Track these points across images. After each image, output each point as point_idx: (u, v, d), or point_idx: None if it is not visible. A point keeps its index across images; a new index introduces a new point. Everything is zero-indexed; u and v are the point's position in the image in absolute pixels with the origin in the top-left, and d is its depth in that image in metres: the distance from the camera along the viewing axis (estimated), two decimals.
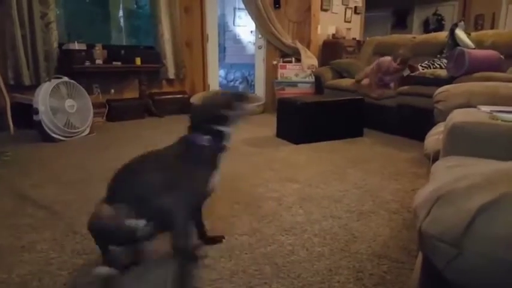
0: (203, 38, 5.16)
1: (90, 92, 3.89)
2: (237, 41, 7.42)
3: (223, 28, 7.21)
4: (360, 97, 3.66)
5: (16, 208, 1.86)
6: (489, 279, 0.49)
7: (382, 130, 3.74)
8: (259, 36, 5.22)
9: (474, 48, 3.45)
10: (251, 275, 1.30)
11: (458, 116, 1.30)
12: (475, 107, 1.61)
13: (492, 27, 7.83)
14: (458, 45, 3.50)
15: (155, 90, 4.82)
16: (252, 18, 4.96)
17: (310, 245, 1.52)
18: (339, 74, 4.50)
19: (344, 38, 5.14)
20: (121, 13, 5.39)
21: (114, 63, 4.24)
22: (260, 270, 1.33)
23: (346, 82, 4.19)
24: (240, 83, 6.98)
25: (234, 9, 7.46)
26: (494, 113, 1.23)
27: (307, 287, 1.24)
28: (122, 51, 4.33)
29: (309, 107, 3.37)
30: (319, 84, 4.54)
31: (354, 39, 5.25)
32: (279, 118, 3.58)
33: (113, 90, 4.51)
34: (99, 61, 4.15)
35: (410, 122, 3.45)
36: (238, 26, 7.48)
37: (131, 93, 4.64)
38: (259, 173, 2.48)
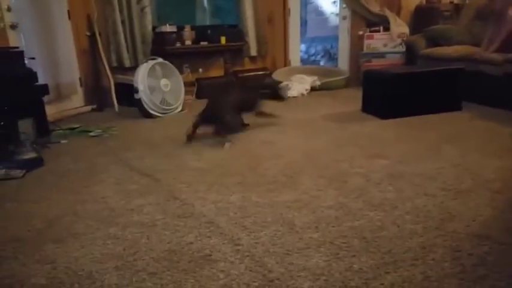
0: (285, 13, 5.10)
1: (180, 71, 4.16)
2: (319, 13, 7.18)
3: (304, 0, 7.03)
4: (458, 67, 3.30)
5: (125, 176, 2.13)
6: None
7: (483, 103, 3.36)
8: (344, 6, 4.98)
9: None
10: (339, 246, 1.32)
11: None
12: None
13: None
14: None
15: (239, 68, 4.97)
16: None
17: (401, 222, 1.47)
18: (434, 42, 4.09)
19: (440, 1, 4.63)
20: None
21: (201, 43, 4.46)
22: (348, 243, 1.34)
23: (446, 50, 3.80)
24: (322, 56, 6.79)
25: None
26: None
27: (399, 262, 1.21)
28: (208, 31, 4.53)
29: (398, 79, 3.15)
30: (411, 54, 4.20)
31: (451, 2, 4.69)
32: (365, 91, 3.42)
33: (201, 69, 4.76)
34: (188, 42, 4.40)
35: None
36: None
37: (217, 71, 4.86)
38: (344, 148, 2.44)
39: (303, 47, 6.72)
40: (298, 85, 4.44)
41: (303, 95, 4.34)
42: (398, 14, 4.54)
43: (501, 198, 1.64)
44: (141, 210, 1.68)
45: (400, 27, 4.37)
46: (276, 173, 2.06)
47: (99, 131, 3.13)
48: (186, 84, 4.00)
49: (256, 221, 1.53)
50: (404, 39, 4.28)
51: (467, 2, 4.54)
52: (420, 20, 4.55)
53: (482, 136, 2.55)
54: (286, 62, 5.25)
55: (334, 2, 6.14)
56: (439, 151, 2.30)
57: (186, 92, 4.01)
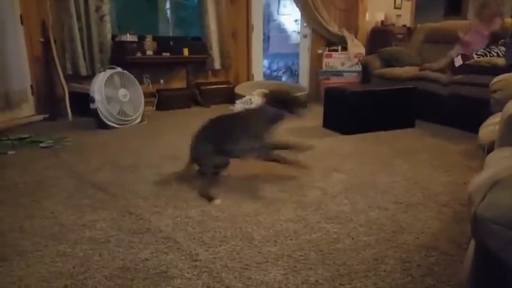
0: (248, 28, 5.20)
1: (141, 82, 4.08)
2: (281, 30, 7.39)
3: (267, 18, 7.21)
4: (411, 86, 3.52)
5: (77, 190, 2.02)
6: None
7: (433, 121, 3.58)
8: (304, 24, 5.16)
9: None
10: (296, 260, 1.34)
11: None
12: None
13: None
14: None
15: (201, 81, 4.96)
16: (298, 7, 4.91)
17: (355, 234, 1.52)
18: (388, 62, 4.34)
19: (393, 25, 4.94)
20: (168, 5, 5.57)
21: (163, 54, 4.41)
22: (305, 255, 1.36)
23: (397, 71, 4.03)
24: (284, 72, 6.96)
25: None
26: None
27: (353, 274, 1.25)
28: (171, 42, 4.49)
29: (358, 97, 3.31)
30: (366, 73, 4.42)
31: (404, 26, 5.02)
32: (326, 108, 3.54)
33: (162, 81, 4.70)
34: (149, 52, 4.33)
35: (464, 113, 3.27)
36: (283, 14, 7.43)
37: (179, 83, 4.81)
38: (305, 162, 2.49)
39: (265, 62, 6.86)
40: (260, 99, 4.50)
41: None
42: (355, 35, 4.78)
43: (448, 211, 1.75)
44: (93, 225, 1.61)
45: (357, 47, 4.59)
46: (237, 185, 2.06)
47: (51, 141, 2.96)
48: (146, 95, 3.92)
49: (215, 235, 1.52)
50: (361, 59, 4.50)
51: (418, 26, 4.87)
52: (376, 41, 4.82)
53: (432, 152, 2.71)
54: (249, 77, 5.32)
55: (296, 21, 6.34)
56: (392, 166, 2.41)
57: (146, 103, 3.93)
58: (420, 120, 3.56)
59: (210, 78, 5.09)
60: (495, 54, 3.38)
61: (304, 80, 5.35)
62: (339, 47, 4.70)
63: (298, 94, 4.72)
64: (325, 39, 4.89)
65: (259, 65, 5.52)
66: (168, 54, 4.41)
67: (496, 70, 2.94)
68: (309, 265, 1.30)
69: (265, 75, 6.18)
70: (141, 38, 4.31)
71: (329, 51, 4.69)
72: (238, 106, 4.38)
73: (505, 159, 1.07)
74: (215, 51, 4.90)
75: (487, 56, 3.41)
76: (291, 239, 1.48)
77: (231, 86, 4.93)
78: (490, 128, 1.62)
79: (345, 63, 4.54)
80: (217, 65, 4.95)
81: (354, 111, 3.27)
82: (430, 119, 3.60)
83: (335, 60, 4.57)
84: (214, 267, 1.29)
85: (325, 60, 4.62)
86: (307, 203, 1.83)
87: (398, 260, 1.33)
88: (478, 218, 0.56)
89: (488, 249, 0.55)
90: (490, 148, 1.45)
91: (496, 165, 0.90)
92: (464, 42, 3.75)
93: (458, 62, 3.59)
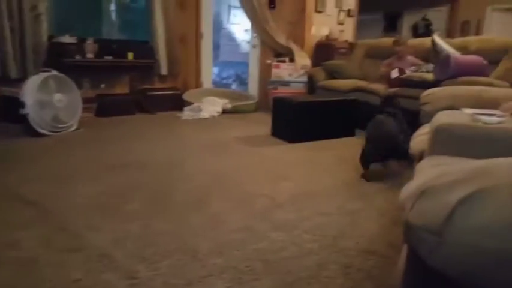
0: (197, 35, 5.15)
1: (80, 86, 3.85)
2: (231, 39, 7.42)
3: (217, 26, 7.21)
4: (353, 98, 3.71)
5: (3, 204, 1.84)
6: (467, 265, 0.53)
7: None
8: (254, 35, 5.24)
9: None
10: (242, 271, 1.32)
11: (442, 118, 1.35)
12: (458, 109, 1.67)
13: (477, 34, 8.01)
14: (438, 52, 3.58)
15: (147, 86, 4.80)
16: (248, 17, 4.98)
17: (300, 241, 1.55)
18: (331, 74, 4.54)
19: (337, 39, 5.19)
20: (113, 6, 5.34)
21: (105, 57, 4.21)
22: (251, 266, 1.35)
23: (340, 83, 4.23)
24: (233, 81, 6.98)
25: (229, 7, 7.47)
26: (477, 116, 1.28)
27: (297, 282, 1.26)
28: (114, 46, 4.31)
29: (304, 107, 3.42)
30: (311, 85, 4.58)
31: (346, 41, 5.29)
32: (274, 117, 3.61)
33: (103, 85, 4.47)
34: (90, 55, 4.11)
35: None
36: (233, 24, 7.49)
37: (122, 88, 4.61)
38: (252, 171, 2.51)
39: (215, 70, 6.84)
40: (209, 107, 4.47)
41: (214, 117, 4.38)
42: (302, 47, 4.94)
43: (386, 215, 1.85)
44: (20, 244, 1.46)
45: (303, 59, 4.75)
46: (183, 197, 2.01)
47: None
48: (85, 100, 3.69)
49: (157, 250, 1.45)
50: (307, 70, 4.66)
51: (358, 42, 5.16)
52: (320, 54, 5.02)
53: None
54: (198, 84, 5.26)
55: (246, 31, 6.42)
56: (335, 172, 2.51)
57: (85, 109, 3.70)
58: (360, 129, 3.75)
59: (156, 84, 4.95)
60: (425, 70, 3.69)
61: (253, 88, 5.40)
62: (287, 59, 4.83)
63: (248, 102, 4.79)
64: (274, 50, 5.00)
65: (209, 72, 5.49)
66: (110, 57, 4.22)
67: (425, 84, 3.21)
68: (254, 276, 1.30)
69: (214, 83, 6.14)
70: (82, 40, 4.08)
71: (277, 62, 4.80)
72: (187, 113, 4.30)
73: (433, 167, 1.16)
74: (162, 57, 4.79)
75: (418, 72, 3.71)
76: (237, 250, 1.47)
77: (178, 92, 4.83)
78: (421, 138, 1.75)
79: (292, 74, 4.67)
80: (164, 70, 4.84)
81: (300, 120, 3.37)
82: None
83: (283, 71, 4.68)
84: (155, 284, 1.24)
85: (273, 71, 4.71)
86: (254, 212, 1.83)
87: (340, 265, 1.38)
88: (409, 225, 0.59)
89: (418, 254, 0.58)
90: (420, 156, 1.57)
91: (425, 174, 0.97)
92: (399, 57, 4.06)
93: (394, 74, 3.86)
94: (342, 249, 1.49)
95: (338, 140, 3.48)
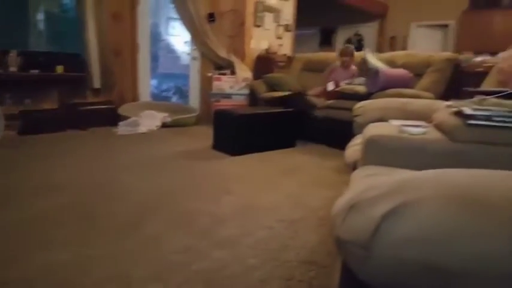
0: (134, 47, 4.99)
1: (1, 102, 3.50)
2: (170, 50, 7.30)
3: (156, 37, 7.06)
4: (292, 109, 3.83)
5: None
6: (393, 277, 0.55)
7: (312, 141, 3.93)
8: (194, 47, 5.20)
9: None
10: None
11: (372, 129, 1.43)
12: (387, 121, 1.79)
13: (404, 48, 8.79)
14: (369, 66, 3.84)
15: (79, 101, 4.51)
16: (187, 30, 4.93)
17: (243, 257, 1.53)
18: (272, 87, 4.65)
19: (276, 53, 5.34)
20: (42, 16, 4.98)
21: (31, 71, 3.89)
22: None
23: (279, 95, 4.33)
24: (174, 93, 6.84)
25: (168, 18, 7.36)
26: (403, 127, 1.38)
27: None
28: (41, 58, 4.00)
29: (245, 119, 3.43)
30: (253, 97, 4.64)
31: (285, 55, 5.47)
32: (216, 130, 3.58)
33: (28, 101, 4.12)
34: (13, 68, 3.77)
35: (336, 133, 3.67)
36: (172, 35, 7.37)
37: (51, 103, 4.28)
38: (193, 186, 2.45)
39: (154, 82, 6.66)
40: (147, 121, 4.31)
41: (152, 131, 4.23)
42: (242, 60, 5.00)
43: (325, 224, 1.90)
44: None
45: (244, 72, 4.81)
46: (118, 218, 1.89)
47: None
48: (7, 117, 3.36)
49: (85, 281, 1.33)
50: (248, 83, 4.72)
51: (296, 56, 5.36)
52: (261, 67, 5.12)
53: (311, 169, 2.96)
54: (135, 97, 5.07)
55: (186, 42, 6.35)
56: (277, 184, 2.54)
57: (6, 127, 3.37)
58: (300, 140, 3.87)
59: (89, 98, 4.68)
60: (358, 83, 3.92)
61: (194, 101, 5.34)
62: (228, 71, 4.85)
63: (189, 115, 4.71)
64: (215, 63, 5.00)
65: (146, 84, 5.32)
66: (37, 71, 3.91)
67: (358, 96, 3.41)
68: None
69: (153, 96, 5.97)
70: (4, 53, 3.74)
71: (218, 74, 4.80)
72: (122, 128, 4.10)
73: (365, 177, 1.22)
74: (95, 69, 4.55)
75: (352, 85, 3.94)
76: (177, 273, 1.40)
77: (113, 107, 4.60)
78: (354, 148, 1.84)
79: (234, 87, 4.70)
80: (97, 84, 4.59)
81: (241, 132, 3.38)
82: (308, 138, 3.95)
83: (224, 83, 4.69)
84: None
85: (214, 83, 4.70)
86: (195, 230, 1.78)
87: (282, 279, 1.38)
88: (339, 240, 0.60)
89: (350, 268, 0.60)
90: (354, 166, 1.64)
91: (356, 186, 1.01)
92: (335, 71, 4.29)
93: (330, 87, 4.06)
94: (284, 262, 1.50)
95: (280, 151, 3.55)
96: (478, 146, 1.20)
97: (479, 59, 5.80)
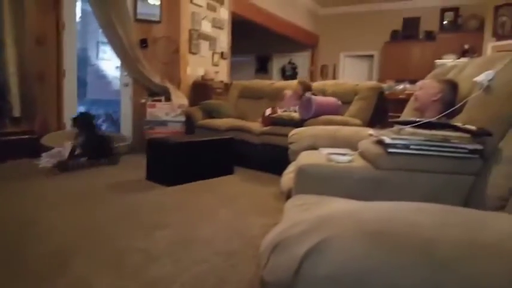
0: (59, 72, 4.67)
1: None
2: (100, 76, 6.98)
3: (85, 62, 6.72)
4: (230, 136, 3.83)
5: None
6: None
7: (250, 167, 3.94)
8: (125, 73, 5.02)
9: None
10: None
11: (303, 158, 1.47)
12: (318, 148, 1.86)
13: (334, 76, 9.43)
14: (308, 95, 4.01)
15: None
16: (118, 56, 4.76)
17: None
18: (209, 114, 4.63)
19: (213, 80, 5.37)
20: None
21: None
22: None
23: (217, 122, 4.33)
24: (104, 121, 6.49)
25: (98, 43, 7.08)
26: (330, 156, 1.43)
27: None
28: None
29: (181, 147, 3.33)
30: (190, 124, 4.57)
31: (221, 81, 5.53)
32: (149, 159, 3.42)
33: None
34: None
35: (273, 159, 3.74)
36: (103, 60, 7.08)
37: None
38: (124, 222, 2.29)
39: (82, 109, 6.26)
40: None
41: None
42: (178, 86, 4.94)
43: None
44: None
45: (180, 98, 4.74)
46: (38, 262, 1.68)
47: None
48: None
49: None
50: (184, 110, 4.65)
51: (233, 82, 5.45)
52: (198, 94, 5.11)
53: (249, 197, 2.94)
54: (60, 125, 4.70)
55: (117, 68, 6.12)
56: (214, 214, 2.48)
57: None
58: (238, 166, 3.87)
59: (8, 127, 4.23)
60: (293, 110, 4.07)
61: (126, 129, 5.10)
62: (163, 98, 4.75)
63: (120, 144, 4.47)
64: (148, 89, 4.86)
65: (73, 112, 4.97)
66: None
67: (292, 123, 3.54)
68: None
69: None
70: None
71: (153, 101, 4.67)
72: (45, 160, 3.76)
73: (296, 207, 1.23)
74: (15, 97, 4.16)
75: (287, 112, 4.07)
76: None
77: (35, 136, 4.21)
78: (289, 175, 1.87)
79: (169, 114, 4.59)
80: (17, 112, 4.19)
81: (177, 161, 3.28)
82: (246, 165, 3.96)
83: (159, 110, 4.56)
84: None
85: (148, 110, 4.55)
86: (126, 270, 1.64)
87: None
88: (264, 282, 0.58)
89: None
90: (289, 194, 1.66)
91: (288, 217, 1.00)
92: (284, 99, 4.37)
93: (267, 113, 4.15)
94: None
95: (217, 179, 3.50)
96: (399, 172, 1.28)
97: (400, 86, 6.43)
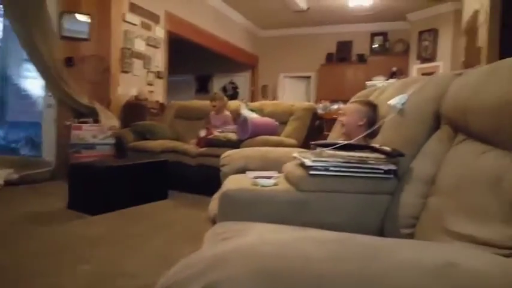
0: None
1: None
2: (23, 96, 6.39)
3: (5, 81, 6.12)
4: (164, 159, 3.66)
5: None
6: None
7: (186, 190, 3.79)
8: (49, 94, 4.63)
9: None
10: None
11: (228, 183, 1.41)
12: (250, 169, 1.81)
13: (274, 96, 9.67)
14: (240, 115, 4.02)
15: None
16: (41, 75, 4.38)
17: None
18: (142, 135, 4.41)
19: (147, 100, 5.17)
20: None
21: None
22: None
23: (151, 144, 4.13)
24: (24, 144, 5.89)
25: (22, 60, 6.51)
26: (256, 179, 1.39)
27: None
28: None
29: (106, 171, 3.09)
30: (120, 146, 4.31)
31: (157, 101, 5.34)
32: (72, 186, 3.13)
33: None
34: None
35: (209, 181, 3.62)
36: (26, 78, 6.51)
37: None
38: (41, 257, 2.02)
39: (1, 132, 5.66)
40: None
41: None
42: (108, 107, 4.67)
43: None
44: None
45: (110, 119, 4.47)
46: None
47: None
48: None
49: None
50: (115, 131, 4.39)
51: (169, 103, 5.29)
52: (130, 114, 4.85)
53: (183, 223, 2.80)
54: None
55: (43, 87, 5.65)
56: (144, 244, 2.30)
57: None
58: (173, 190, 3.70)
59: None
60: (230, 130, 4.04)
61: (49, 153, 4.66)
62: (91, 119, 4.44)
63: (41, 170, 4.07)
64: (74, 110, 4.52)
65: None
66: None
67: (229, 144, 3.49)
68: None
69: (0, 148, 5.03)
70: None
71: (79, 123, 4.34)
72: None
73: (215, 236, 1.16)
74: None
75: (224, 132, 4.02)
76: None
77: None
78: (216, 200, 1.79)
79: (98, 136, 4.29)
80: None
81: (103, 187, 3.03)
82: (182, 188, 3.81)
83: (86, 133, 4.24)
84: None
85: (73, 133, 4.20)
86: None
87: None
88: None
89: None
90: (215, 220, 1.58)
91: (204, 248, 0.92)
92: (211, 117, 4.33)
93: (202, 134, 4.07)
94: None
95: (151, 204, 3.30)
96: (321, 194, 1.27)
97: (335, 106, 6.75)
